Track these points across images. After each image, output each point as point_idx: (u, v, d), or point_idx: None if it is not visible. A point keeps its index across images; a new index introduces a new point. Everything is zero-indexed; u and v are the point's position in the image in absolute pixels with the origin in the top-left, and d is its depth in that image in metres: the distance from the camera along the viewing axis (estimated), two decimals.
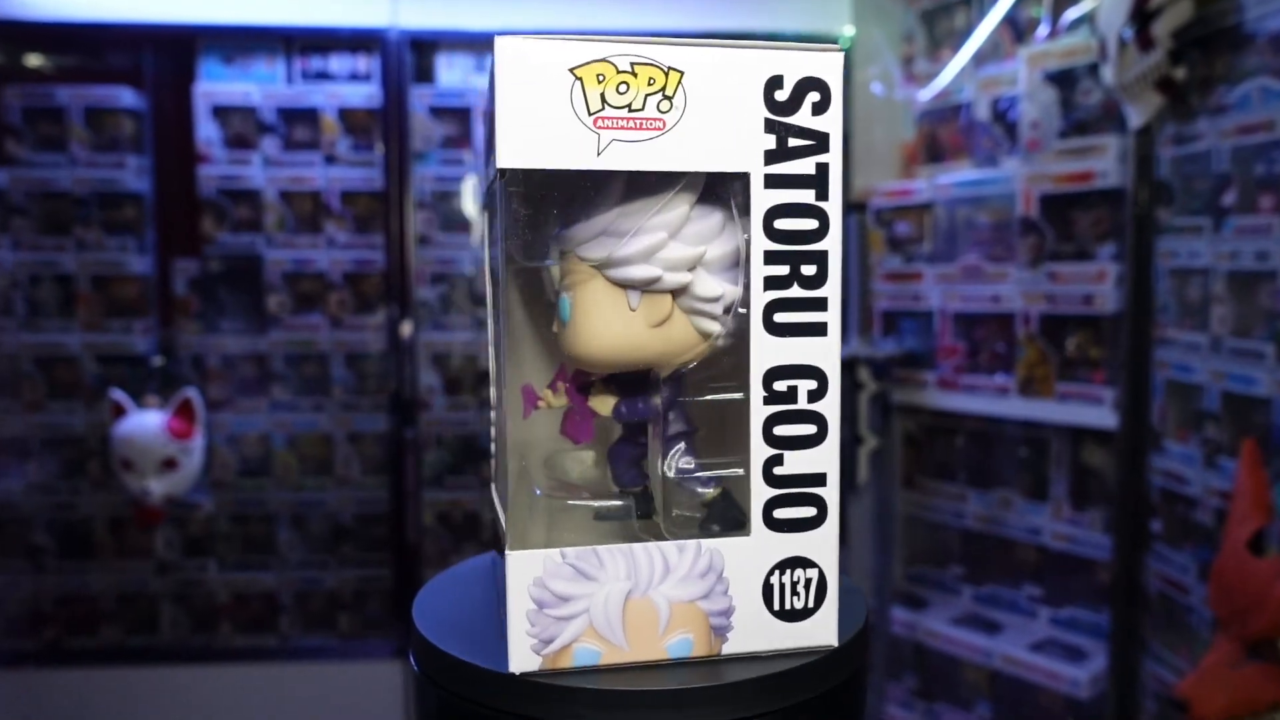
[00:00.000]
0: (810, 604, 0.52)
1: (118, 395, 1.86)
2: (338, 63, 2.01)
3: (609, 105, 0.46)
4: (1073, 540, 1.65)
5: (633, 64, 0.46)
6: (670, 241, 0.49)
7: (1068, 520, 1.67)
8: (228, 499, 2.05)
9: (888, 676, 1.91)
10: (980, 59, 1.80)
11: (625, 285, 0.50)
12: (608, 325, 0.50)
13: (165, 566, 2.06)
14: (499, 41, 0.45)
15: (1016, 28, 1.75)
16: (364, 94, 2.01)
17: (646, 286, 0.50)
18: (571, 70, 0.46)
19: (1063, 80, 1.62)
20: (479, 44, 1.99)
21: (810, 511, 0.51)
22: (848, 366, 1.76)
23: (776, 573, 0.51)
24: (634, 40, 0.46)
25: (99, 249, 1.99)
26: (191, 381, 1.98)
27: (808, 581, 0.51)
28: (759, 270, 0.49)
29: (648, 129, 0.47)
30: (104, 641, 2.06)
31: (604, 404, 0.54)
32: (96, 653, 2.03)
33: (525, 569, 0.47)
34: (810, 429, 0.51)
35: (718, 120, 0.47)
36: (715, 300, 0.50)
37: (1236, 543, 1.19)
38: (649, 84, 0.47)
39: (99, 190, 1.98)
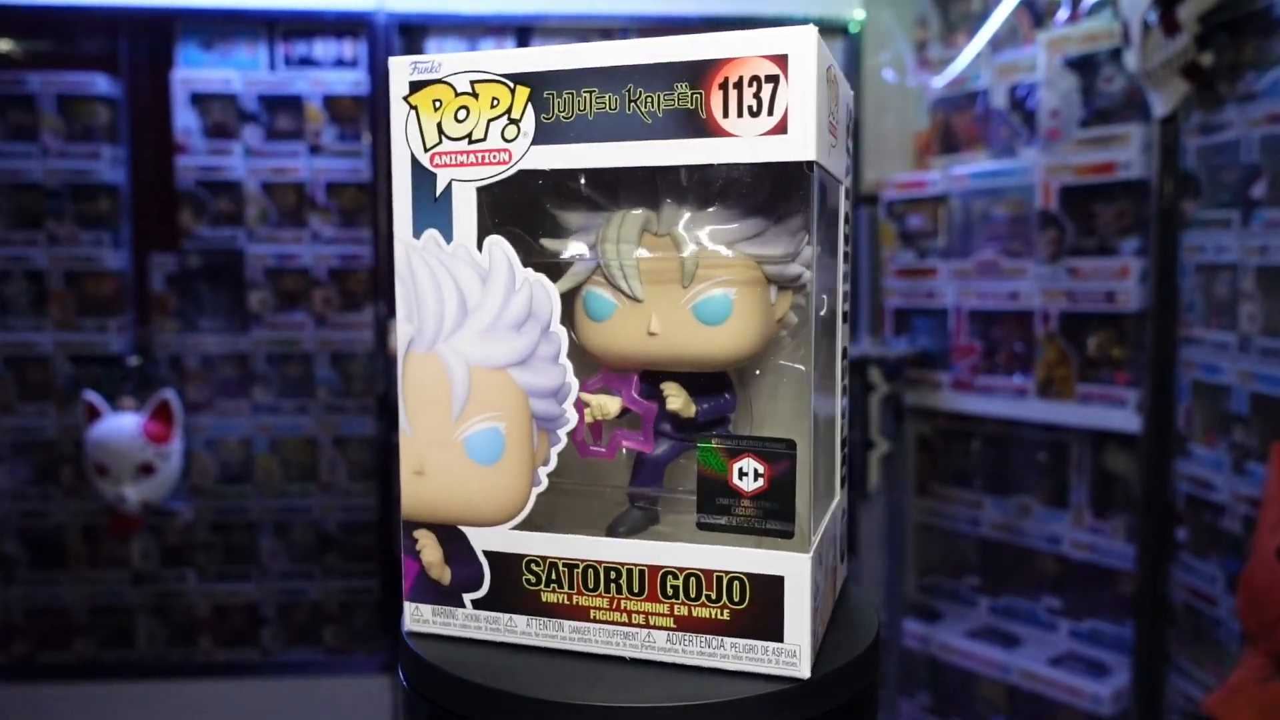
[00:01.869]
0: (847, 543, 0.64)
1: (92, 397, 1.83)
2: (323, 48, 1.99)
3: (832, 110, 0.50)
4: (1094, 549, 1.65)
5: (830, 70, 0.51)
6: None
7: (1089, 528, 1.66)
8: (207, 506, 2.03)
9: (900, 692, 1.90)
10: (997, 44, 1.80)
11: (781, 282, 0.53)
12: (763, 323, 0.52)
13: (142, 577, 2.04)
14: (804, 30, 0.46)
15: (1035, 11, 1.75)
16: (350, 81, 1.98)
17: (794, 283, 0.53)
18: (826, 70, 0.48)
19: (1084, 66, 1.61)
20: (470, 28, 1.97)
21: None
22: (858, 367, 1.75)
23: (837, 522, 0.59)
24: None
25: (72, 243, 1.97)
26: (169, 383, 1.96)
27: (846, 525, 0.63)
28: (842, 267, 0.57)
29: (836, 135, 0.52)
30: (77, 656, 2.03)
31: (688, 406, 0.54)
32: (69, 668, 2.01)
33: (810, 572, 0.49)
34: (844, 399, 0.61)
35: (838, 135, 0.54)
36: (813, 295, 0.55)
37: (1266, 552, 1.19)
38: (835, 93, 0.52)
39: (72, 182, 1.96)
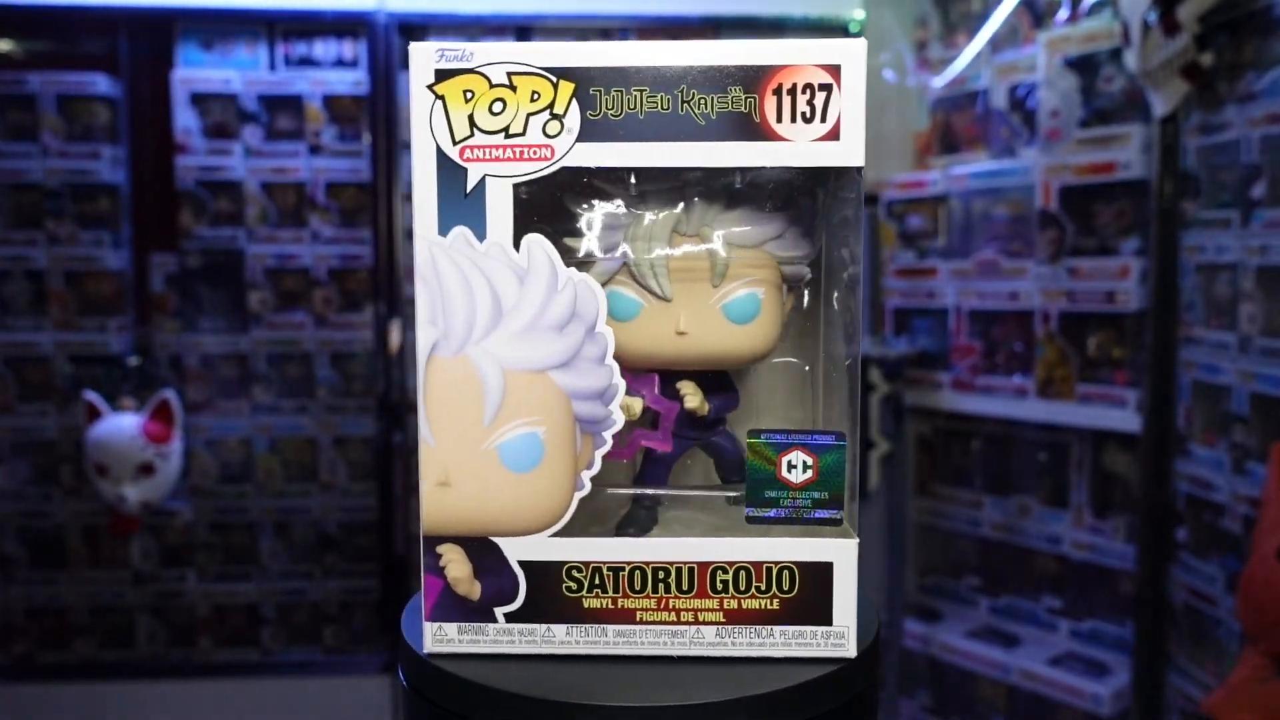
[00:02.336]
0: None
1: (92, 397, 1.82)
2: (323, 48, 1.99)
3: None
4: (1094, 549, 1.65)
5: None
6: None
7: (1089, 528, 1.66)
8: (207, 506, 2.03)
9: (900, 692, 1.89)
10: (997, 44, 1.80)
11: (793, 281, 0.54)
12: (781, 321, 0.54)
13: (141, 577, 2.04)
14: (856, 43, 0.48)
15: (1035, 11, 1.75)
16: (350, 81, 1.98)
17: (800, 283, 0.55)
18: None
19: (1084, 66, 1.61)
20: (471, 28, 1.96)
21: None
22: None
23: None
24: None
25: (72, 243, 1.96)
26: (169, 383, 1.95)
27: None
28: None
29: None
30: (77, 656, 2.03)
31: (703, 404, 0.55)
32: (69, 668, 2.01)
33: (856, 556, 0.51)
34: None
35: None
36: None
37: (1266, 552, 1.19)
38: None
39: (72, 182, 1.95)
